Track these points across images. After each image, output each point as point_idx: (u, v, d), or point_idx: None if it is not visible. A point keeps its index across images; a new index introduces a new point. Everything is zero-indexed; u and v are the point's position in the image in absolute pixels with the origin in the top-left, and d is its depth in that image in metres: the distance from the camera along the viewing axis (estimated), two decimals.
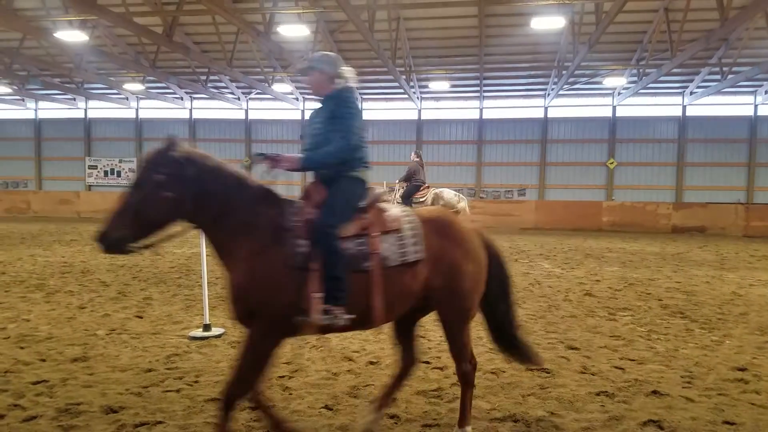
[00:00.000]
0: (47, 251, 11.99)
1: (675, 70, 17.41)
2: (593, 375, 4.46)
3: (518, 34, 17.26)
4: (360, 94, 23.04)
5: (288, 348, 5.05)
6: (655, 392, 4.08)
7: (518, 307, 6.87)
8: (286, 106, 23.95)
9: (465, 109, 23.26)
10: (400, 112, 23.81)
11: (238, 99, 23.86)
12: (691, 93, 21.24)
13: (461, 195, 11.79)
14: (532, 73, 20.14)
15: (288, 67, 19.88)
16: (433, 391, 4.06)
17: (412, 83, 20.91)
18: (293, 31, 13.82)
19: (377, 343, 5.21)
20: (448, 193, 11.74)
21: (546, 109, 22.60)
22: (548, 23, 13.36)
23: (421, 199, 11.84)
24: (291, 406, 3.74)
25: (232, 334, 5.51)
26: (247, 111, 24.54)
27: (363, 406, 3.76)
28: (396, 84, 20.65)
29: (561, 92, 20.62)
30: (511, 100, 23.00)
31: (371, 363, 4.64)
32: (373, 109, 23.91)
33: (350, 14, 11.94)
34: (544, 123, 22.62)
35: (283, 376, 4.31)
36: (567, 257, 12.25)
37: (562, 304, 7.15)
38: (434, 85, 20.06)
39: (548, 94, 21.78)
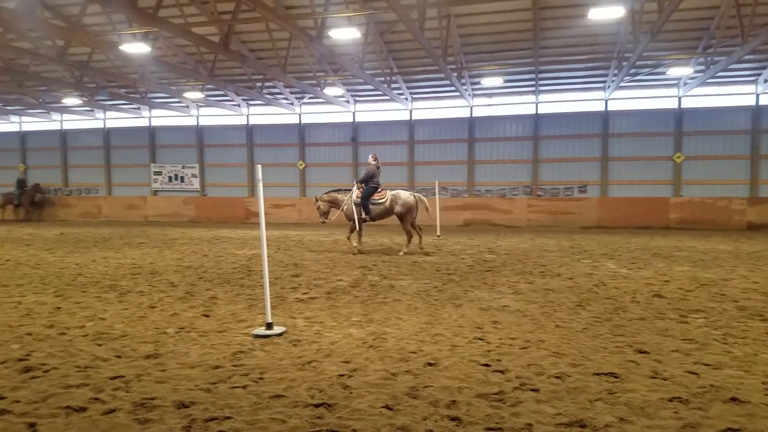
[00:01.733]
0: (118, 254, 12.61)
1: (746, 57, 16.45)
2: (665, 380, 4.26)
3: (575, 25, 16.78)
4: (410, 93, 23.03)
5: (346, 347, 5.12)
6: (734, 399, 3.86)
7: (582, 308, 6.73)
8: (337, 109, 24.24)
9: (519, 105, 22.80)
10: (450, 110, 23.66)
11: (292, 104, 24.34)
12: (765, 81, 20.01)
13: (417, 194, 12.53)
14: (591, 65, 19.52)
15: (339, 70, 20.10)
16: (494, 394, 3.99)
17: (463, 80, 20.70)
18: (344, 34, 13.96)
19: (434, 345, 5.19)
20: (405, 194, 12.41)
21: (606, 101, 21.85)
22: (607, 13, 12.91)
23: (380, 201, 12.40)
24: (352, 405, 3.77)
25: (293, 333, 5.62)
26: (300, 115, 24.99)
27: (423, 407, 3.75)
28: (446, 82, 20.51)
29: (622, 84, 19.88)
30: (569, 94, 22.37)
31: (429, 364, 4.62)
32: (423, 109, 23.89)
33: (400, 14, 11.94)
34: (605, 116, 21.87)
35: (343, 375, 4.36)
36: (633, 257, 11.80)
37: (630, 306, 6.88)
38: (487, 81, 19.78)
39: (608, 87, 21.05)
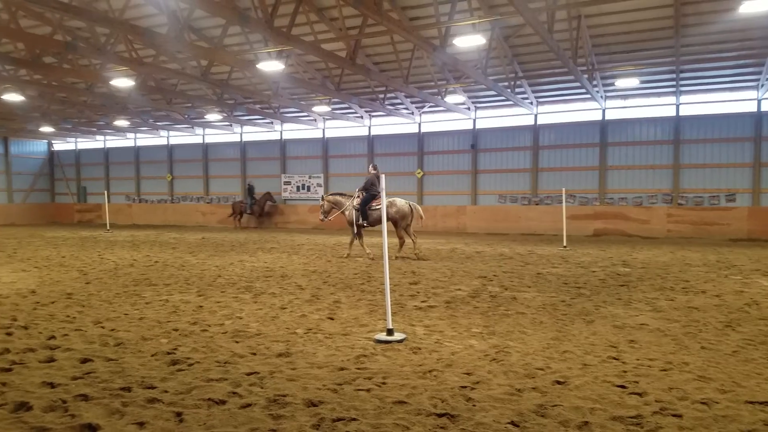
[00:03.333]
0: (252, 257, 13.52)
1: None
2: None
3: (722, 20, 15.24)
4: (535, 97, 22.30)
5: (468, 358, 5.02)
6: None
7: (732, 329, 6.04)
8: (457, 116, 24.14)
9: (658, 107, 21.13)
10: (579, 114, 22.53)
11: (412, 113, 24.65)
12: None
13: (412, 203, 13.30)
14: (741, 62, 17.61)
15: (460, 78, 20.02)
16: (631, 417, 3.69)
17: (594, 82, 19.64)
18: (468, 41, 13.86)
19: (563, 362, 4.92)
20: (400, 201, 13.22)
21: (759, 102, 19.57)
22: (760, 5, 11.54)
23: (377, 207, 12.97)
24: (475, 418, 3.68)
25: (413, 341, 5.63)
26: (420, 124, 25.23)
27: (552, 426, 3.55)
28: (576, 84, 19.58)
29: None
30: (715, 94, 20.33)
31: (558, 383, 4.38)
32: (549, 113, 22.99)
33: (528, 18, 11.62)
34: (758, 117, 19.58)
35: (465, 387, 4.27)
36: None
37: None
38: (621, 83, 18.56)
39: (762, 85, 18.84)
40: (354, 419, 3.64)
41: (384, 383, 4.34)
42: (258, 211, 27.23)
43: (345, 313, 7.01)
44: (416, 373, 4.59)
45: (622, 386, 4.28)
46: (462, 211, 23.98)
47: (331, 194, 14.27)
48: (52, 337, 5.77)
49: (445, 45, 14.20)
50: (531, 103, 22.24)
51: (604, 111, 21.84)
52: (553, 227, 21.34)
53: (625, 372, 4.63)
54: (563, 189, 18.60)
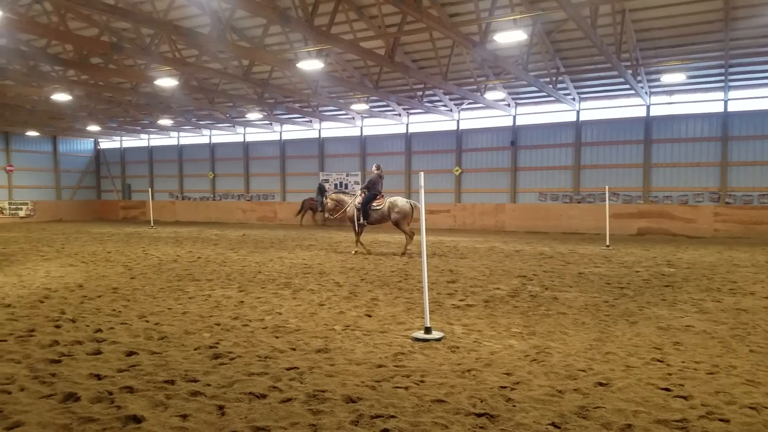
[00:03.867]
0: (291, 254, 13.70)
1: None
2: None
3: None
4: (578, 93, 21.83)
5: (507, 358, 4.96)
6: None
7: None
8: (496, 113, 23.86)
9: (705, 102, 20.40)
10: (623, 110, 21.95)
11: (450, 110, 24.49)
12: None
13: (412, 201, 13.70)
14: None
15: (500, 74, 19.77)
16: (676, 421, 3.59)
17: (639, 78, 19.09)
18: (509, 37, 13.67)
19: (606, 363, 4.80)
20: (401, 200, 13.59)
21: None
22: None
23: (377, 207, 13.56)
24: (515, 419, 3.63)
25: (451, 339, 5.60)
26: (458, 122, 25.05)
27: (594, 428, 3.48)
28: (620, 80, 19.09)
29: None
30: (766, 89, 19.52)
31: (600, 384, 4.28)
32: (592, 109, 22.48)
33: (571, 13, 11.38)
34: None
35: (505, 387, 4.22)
36: None
37: None
38: (667, 78, 17.99)
39: None
40: (392, 416, 3.65)
41: (422, 381, 4.33)
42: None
43: (382, 310, 7.03)
44: (455, 372, 4.56)
45: (667, 389, 4.16)
46: (501, 209, 23.71)
47: (334, 193, 15.25)
48: (99, 330, 5.97)
49: (485, 41, 14.06)
50: (573, 99, 21.79)
51: (648, 107, 21.23)
52: (595, 226, 20.90)
53: (669, 375, 4.50)
54: (606, 187, 18.17)
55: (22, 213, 32.04)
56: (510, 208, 23.57)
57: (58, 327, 6.12)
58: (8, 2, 12.66)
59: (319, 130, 28.80)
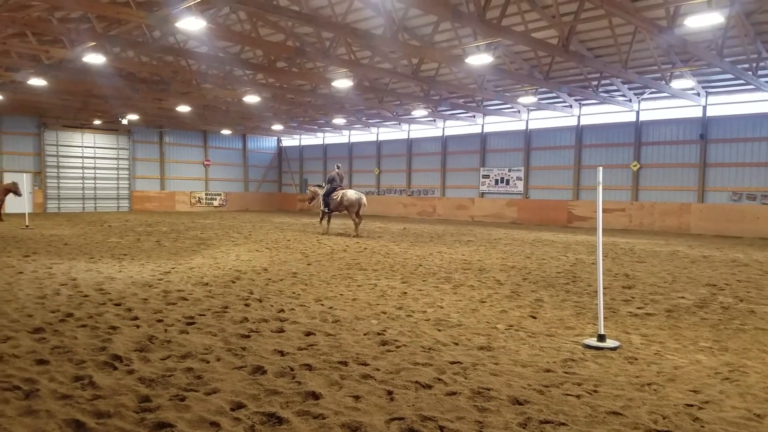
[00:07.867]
0: (450, 249, 13.76)
1: None
2: None
3: None
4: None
5: (694, 374, 4.45)
6: None
7: None
8: (683, 103, 21.48)
9: None
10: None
11: (629, 101, 22.60)
12: None
13: (360, 192, 17.13)
14: None
15: (689, 61, 17.77)
16: None
17: None
18: (702, 20, 12.18)
19: None
20: (350, 192, 16.85)
21: None
22: None
23: (335, 198, 16.93)
24: None
25: (628, 349, 5.17)
26: (638, 113, 23.03)
27: None
28: None
29: None
30: None
31: None
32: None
33: None
34: None
35: (692, 405, 3.80)
36: None
37: None
38: None
39: None
40: (563, 424, 3.47)
41: (595, 391, 4.06)
42: None
43: (548, 313, 6.73)
44: (632, 385, 4.21)
45: None
46: (686, 209, 21.37)
47: (312, 186, 18.97)
48: (282, 311, 6.55)
49: (673, 26, 12.75)
50: None
51: None
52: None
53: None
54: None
55: (216, 203, 36.58)
56: (697, 208, 21.13)
57: (247, 305, 6.84)
58: (210, 14, 14.43)
59: (482, 125, 28.50)
